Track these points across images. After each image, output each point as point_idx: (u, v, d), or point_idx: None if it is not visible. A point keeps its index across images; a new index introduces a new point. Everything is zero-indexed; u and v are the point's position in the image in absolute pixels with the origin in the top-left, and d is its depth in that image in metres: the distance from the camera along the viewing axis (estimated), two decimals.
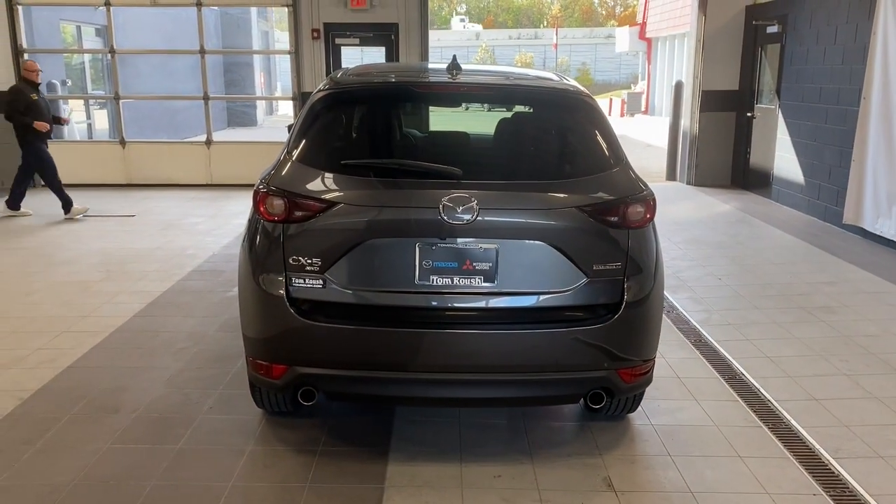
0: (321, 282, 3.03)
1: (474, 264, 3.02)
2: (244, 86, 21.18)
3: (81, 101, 14.54)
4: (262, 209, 3.08)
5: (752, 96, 10.24)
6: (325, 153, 3.25)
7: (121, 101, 10.97)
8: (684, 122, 11.12)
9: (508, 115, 3.84)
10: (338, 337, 3.03)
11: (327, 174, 3.14)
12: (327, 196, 3.05)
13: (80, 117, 14.20)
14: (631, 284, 3.12)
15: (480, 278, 3.03)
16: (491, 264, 3.02)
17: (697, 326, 5.08)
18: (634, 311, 3.12)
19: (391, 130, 3.80)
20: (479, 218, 2.97)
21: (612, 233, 3.10)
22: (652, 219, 3.20)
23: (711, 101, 10.63)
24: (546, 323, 3.07)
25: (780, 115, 9.38)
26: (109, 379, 4.15)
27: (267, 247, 3.10)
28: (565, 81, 3.64)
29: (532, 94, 3.62)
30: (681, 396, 4.00)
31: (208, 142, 10.90)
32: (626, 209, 3.09)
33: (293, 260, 3.04)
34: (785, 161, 9.27)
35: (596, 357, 3.11)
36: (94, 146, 11.85)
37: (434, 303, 3.06)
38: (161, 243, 7.37)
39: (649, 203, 3.15)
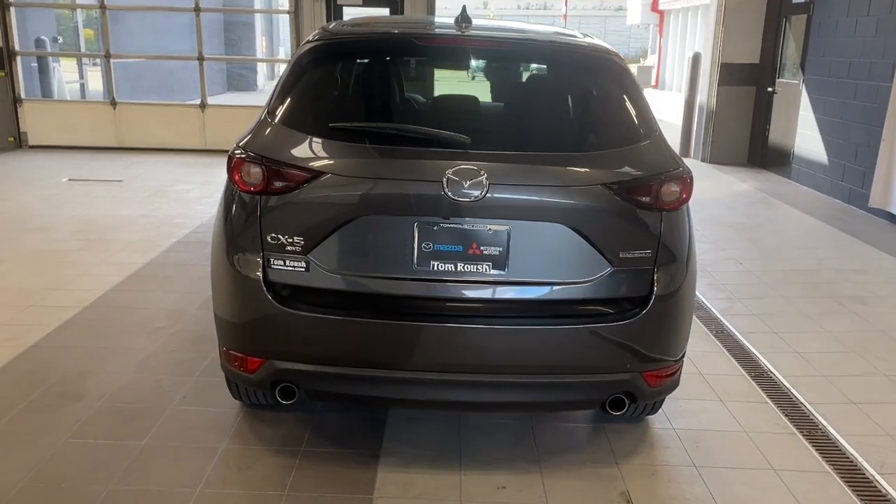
0: (304, 264, 2.63)
1: (482, 248, 2.61)
2: (243, 47, 20.55)
3: (74, 61, 14.04)
4: (236, 178, 2.67)
5: (774, 70, 9.74)
6: (312, 114, 2.81)
7: (112, 60, 10.50)
8: (701, 97, 10.63)
9: (524, 76, 3.39)
10: (322, 328, 2.64)
11: (314, 139, 2.71)
12: (313, 164, 2.63)
13: (72, 77, 13.71)
14: (661, 275, 2.71)
15: (489, 265, 2.62)
16: (501, 249, 2.61)
17: (719, 315, 4.69)
18: (665, 306, 2.72)
19: (390, 90, 3.36)
20: (488, 194, 2.55)
21: (641, 215, 2.68)
22: (688, 199, 2.77)
23: (730, 75, 10.13)
24: (563, 318, 2.67)
25: (804, 91, 8.89)
26: (75, 361, 3.77)
27: (242, 221, 2.69)
28: (590, 39, 3.19)
29: (553, 52, 3.17)
30: (704, 396, 3.63)
31: (203, 105, 10.44)
32: (659, 188, 2.67)
33: (272, 238, 2.63)
34: (807, 139, 8.80)
35: (620, 357, 2.71)
36: (84, 106, 11.39)
37: (434, 292, 2.65)
38: (147, 210, 6.95)
39: (686, 181, 2.73)
